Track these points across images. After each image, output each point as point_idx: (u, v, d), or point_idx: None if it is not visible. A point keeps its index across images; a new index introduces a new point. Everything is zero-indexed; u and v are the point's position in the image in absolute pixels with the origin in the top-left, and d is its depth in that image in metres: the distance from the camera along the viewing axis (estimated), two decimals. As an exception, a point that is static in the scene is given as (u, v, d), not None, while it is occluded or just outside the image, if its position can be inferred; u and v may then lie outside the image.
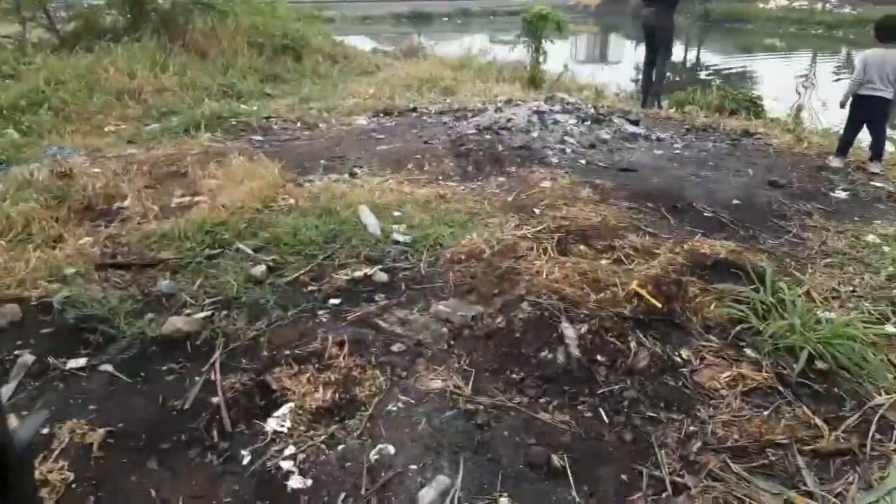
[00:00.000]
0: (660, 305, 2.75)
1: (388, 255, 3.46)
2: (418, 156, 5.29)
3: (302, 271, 3.28)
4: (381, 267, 3.31)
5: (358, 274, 3.24)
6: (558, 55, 11.92)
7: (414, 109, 7.41)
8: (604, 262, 3.24)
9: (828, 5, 35.41)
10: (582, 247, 3.51)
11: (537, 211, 4.06)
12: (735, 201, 4.37)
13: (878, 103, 5.04)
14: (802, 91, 8.21)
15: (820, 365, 2.49)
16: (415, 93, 8.61)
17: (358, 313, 2.89)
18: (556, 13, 10.06)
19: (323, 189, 4.41)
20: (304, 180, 4.70)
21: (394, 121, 6.92)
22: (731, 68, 23.76)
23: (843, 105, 5.33)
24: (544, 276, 3.01)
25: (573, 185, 4.55)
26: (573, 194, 4.37)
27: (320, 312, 2.93)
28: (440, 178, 4.84)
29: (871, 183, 4.92)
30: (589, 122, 5.95)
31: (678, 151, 5.67)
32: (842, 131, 5.53)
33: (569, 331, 2.51)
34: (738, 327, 2.67)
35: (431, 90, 8.79)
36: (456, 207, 4.16)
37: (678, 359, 2.53)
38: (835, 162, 5.34)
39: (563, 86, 9.99)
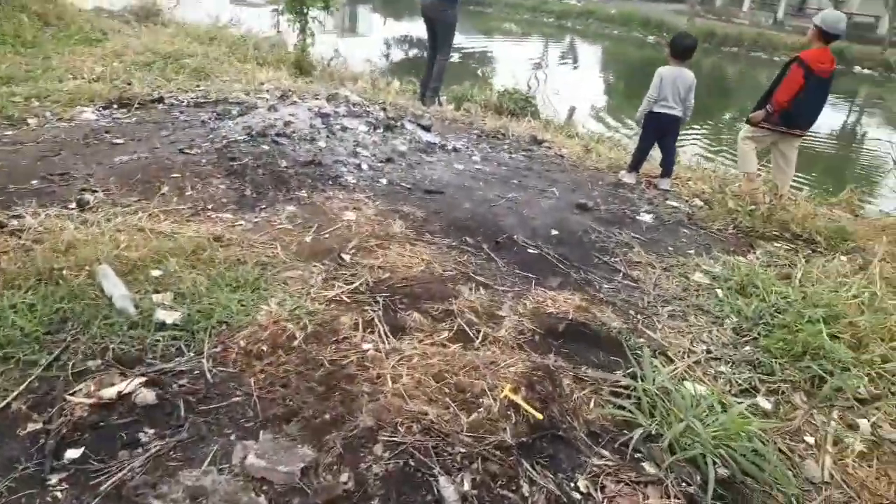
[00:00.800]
0: (540, 416, 2.18)
1: (150, 348, 2.40)
2: (176, 173, 4.09)
3: (14, 393, 2.13)
4: (142, 375, 2.25)
5: (108, 393, 2.16)
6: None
7: (160, 100, 5.97)
8: (453, 346, 2.58)
9: (557, -4, 39.03)
10: (416, 315, 2.82)
11: (347, 257, 3.28)
12: (553, 231, 4.02)
13: (671, 121, 5.07)
14: (537, 79, 8.62)
15: (721, 471, 2.13)
16: (158, 75, 7.07)
17: (117, 475, 1.87)
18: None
19: (39, 234, 3.11)
20: (8, 216, 3.32)
21: (134, 116, 5.47)
22: (473, 48, 24.87)
23: (638, 122, 5.30)
24: (390, 384, 2.26)
25: (381, 216, 3.83)
26: (384, 230, 3.65)
27: (52, 481, 1.85)
28: (210, 206, 3.75)
29: (668, 202, 4.94)
30: (381, 130, 5.20)
31: (479, 166, 5.20)
32: (634, 147, 5.55)
33: (449, 491, 1.80)
34: (632, 437, 2.20)
35: (179, 72, 7.29)
36: (238, 255, 3.17)
37: (577, 495, 1.98)
38: (627, 178, 5.31)
39: (337, 74, 9.07)
